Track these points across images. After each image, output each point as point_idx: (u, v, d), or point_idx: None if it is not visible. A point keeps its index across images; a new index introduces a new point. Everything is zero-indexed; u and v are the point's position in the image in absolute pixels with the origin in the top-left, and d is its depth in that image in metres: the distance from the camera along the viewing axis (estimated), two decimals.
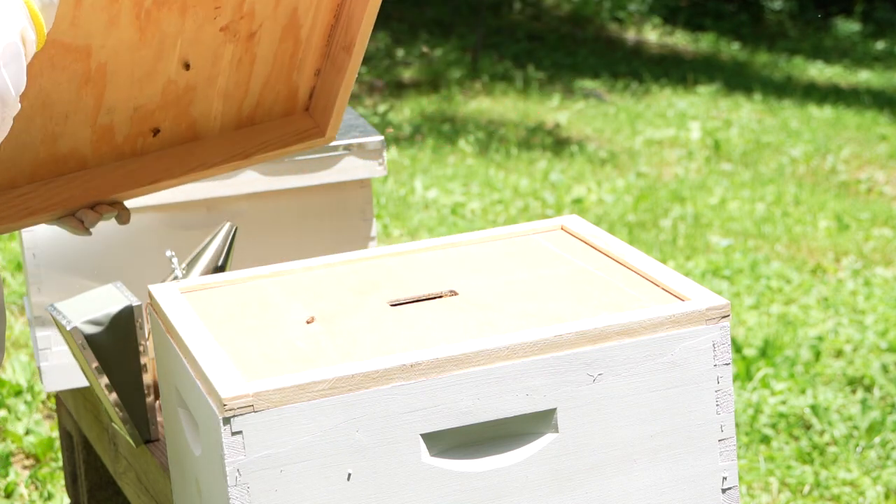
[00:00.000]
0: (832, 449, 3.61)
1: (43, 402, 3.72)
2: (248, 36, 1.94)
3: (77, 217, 1.99)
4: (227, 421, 1.53)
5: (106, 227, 2.38)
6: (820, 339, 4.34)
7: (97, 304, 2.04)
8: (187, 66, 1.93)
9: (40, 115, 1.87)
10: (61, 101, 1.86)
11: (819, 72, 10.36)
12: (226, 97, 2.01)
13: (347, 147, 2.46)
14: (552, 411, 1.64)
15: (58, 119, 1.88)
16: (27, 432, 3.52)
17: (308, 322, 1.73)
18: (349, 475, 1.58)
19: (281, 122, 2.10)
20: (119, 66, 1.86)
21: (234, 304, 1.82)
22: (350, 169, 2.46)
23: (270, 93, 2.05)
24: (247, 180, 2.43)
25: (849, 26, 11.98)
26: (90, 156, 1.96)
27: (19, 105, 1.58)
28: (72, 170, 1.97)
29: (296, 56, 2.02)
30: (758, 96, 8.97)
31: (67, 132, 1.91)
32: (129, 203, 2.20)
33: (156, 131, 1.98)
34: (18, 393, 3.71)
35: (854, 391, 4.01)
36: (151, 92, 1.93)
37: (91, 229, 2.01)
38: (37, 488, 3.30)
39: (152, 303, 1.84)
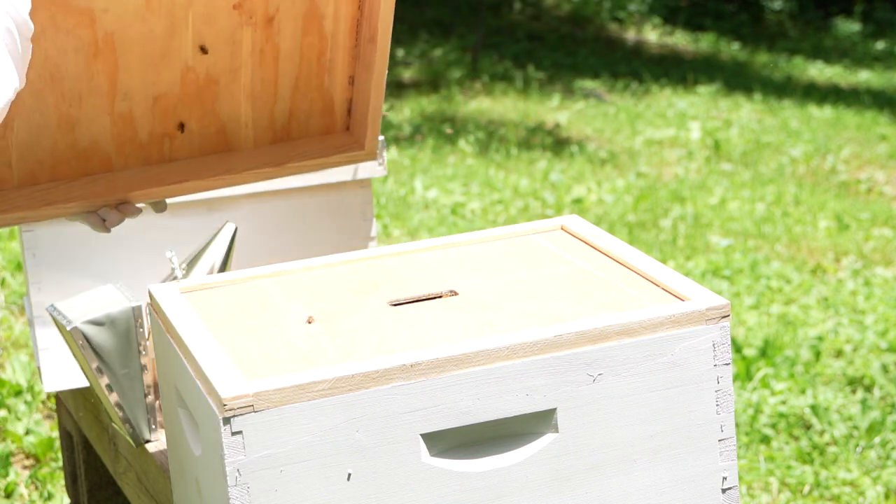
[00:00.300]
0: (832, 449, 3.61)
1: (43, 402, 3.72)
2: (266, 21, 1.90)
3: (100, 215, 1.96)
4: (227, 421, 1.53)
5: None
6: (820, 339, 4.34)
7: (97, 304, 2.04)
8: (204, 50, 1.89)
9: (51, 92, 1.83)
10: (71, 75, 1.82)
11: (819, 72, 10.37)
12: (253, 99, 1.96)
13: None
14: (552, 411, 1.64)
15: (71, 99, 1.84)
16: (27, 432, 3.52)
17: (308, 322, 1.73)
18: (349, 475, 1.58)
19: (319, 139, 2.05)
20: (128, 38, 1.82)
21: (234, 304, 1.82)
22: (350, 169, 2.46)
23: (303, 100, 2.00)
24: None
25: (849, 26, 11.99)
26: (114, 154, 1.92)
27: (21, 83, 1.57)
28: (96, 171, 1.93)
29: (324, 55, 1.97)
30: (758, 96, 8.98)
31: (84, 117, 1.86)
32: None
33: (181, 126, 1.94)
34: (18, 393, 3.71)
35: (854, 391, 4.01)
36: (169, 78, 1.89)
37: (112, 228, 1.97)
38: (37, 488, 3.30)
39: (152, 303, 1.84)
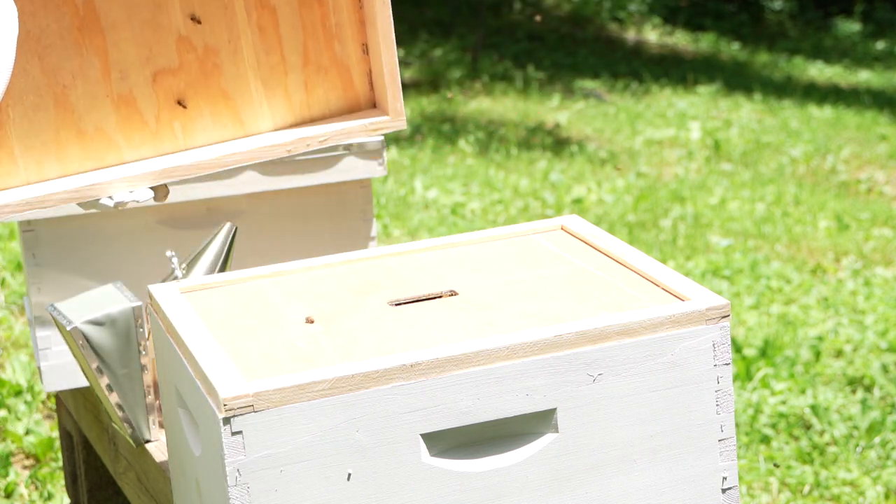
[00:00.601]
0: (832, 449, 3.61)
1: (43, 402, 3.72)
2: None
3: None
4: (227, 421, 1.53)
5: (106, 227, 2.38)
6: (820, 339, 4.34)
7: (97, 304, 2.04)
8: (196, 19, 1.84)
9: (40, 69, 1.78)
10: (57, 50, 1.78)
11: (819, 72, 10.37)
12: (261, 72, 1.91)
13: (347, 147, 2.46)
14: (552, 411, 1.64)
15: (64, 78, 1.80)
16: (27, 432, 3.52)
17: (308, 322, 1.73)
18: (349, 475, 1.58)
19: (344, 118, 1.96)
20: (109, 6, 1.78)
21: (234, 304, 1.82)
22: (350, 169, 2.46)
23: (317, 72, 1.94)
24: (247, 180, 2.43)
25: (849, 26, 11.99)
26: (123, 143, 1.87)
27: None
28: (108, 164, 1.88)
29: (328, 20, 1.90)
30: (758, 96, 8.98)
31: (81, 97, 1.82)
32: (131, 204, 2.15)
33: (183, 103, 1.87)
34: (18, 393, 3.71)
35: (854, 391, 4.01)
36: (165, 51, 1.84)
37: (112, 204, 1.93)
38: (37, 488, 3.30)
39: (152, 303, 1.84)
